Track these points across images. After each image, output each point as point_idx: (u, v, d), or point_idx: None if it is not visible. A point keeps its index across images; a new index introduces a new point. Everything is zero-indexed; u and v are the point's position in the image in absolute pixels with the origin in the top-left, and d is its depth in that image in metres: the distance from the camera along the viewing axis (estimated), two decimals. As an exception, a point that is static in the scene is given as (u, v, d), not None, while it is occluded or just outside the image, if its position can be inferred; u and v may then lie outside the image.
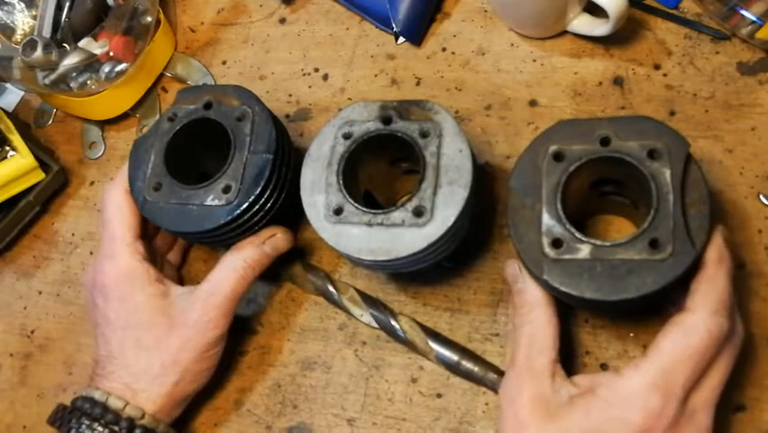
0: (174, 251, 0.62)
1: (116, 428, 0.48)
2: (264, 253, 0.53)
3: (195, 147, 0.56)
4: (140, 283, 0.52)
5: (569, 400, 0.42)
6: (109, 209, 0.54)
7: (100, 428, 0.48)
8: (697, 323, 0.39)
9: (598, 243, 0.41)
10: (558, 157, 0.44)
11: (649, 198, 0.42)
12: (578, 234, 0.42)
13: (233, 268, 0.52)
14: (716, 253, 0.41)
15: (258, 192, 0.50)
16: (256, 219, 0.52)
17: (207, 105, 0.54)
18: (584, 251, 0.41)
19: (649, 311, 0.49)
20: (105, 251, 0.54)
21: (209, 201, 0.51)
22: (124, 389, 0.50)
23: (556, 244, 0.42)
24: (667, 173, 0.42)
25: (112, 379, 0.51)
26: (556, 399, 0.42)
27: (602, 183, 0.48)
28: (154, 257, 0.56)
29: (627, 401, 0.39)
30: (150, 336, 0.51)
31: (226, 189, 0.51)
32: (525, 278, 0.45)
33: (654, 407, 0.39)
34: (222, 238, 0.53)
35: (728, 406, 0.45)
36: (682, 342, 0.39)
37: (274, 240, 0.54)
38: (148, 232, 0.56)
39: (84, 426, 0.48)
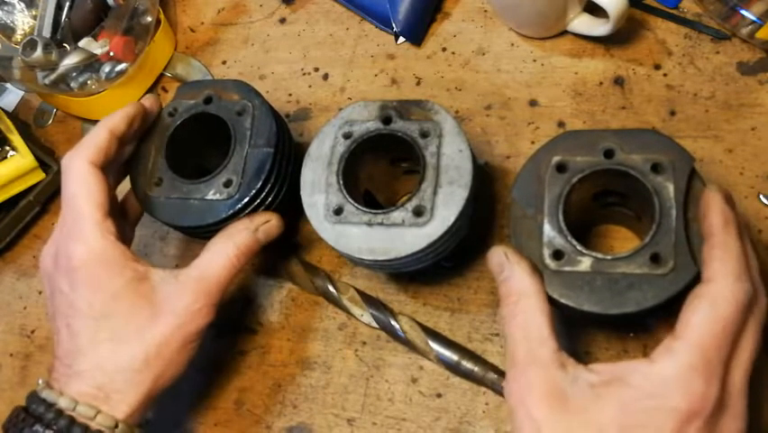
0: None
1: None
2: (256, 239, 0.50)
3: (195, 142, 0.56)
4: (116, 267, 0.46)
5: (591, 390, 0.38)
6: (72, 184, 0.47)
7: None
8: (722, 291, 0.36)
9: (599, 255, 0.41)
10: (561, 168, 0.44)
11: (652, 212, 0.41)
12: (579, 247, 0.42)
13: (225, 254, 0.48)
14: (719, 216, 0.38)
15: (259, 186, 0.50)
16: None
17: (207, 100, 0.54)
18: (585, 263, 0.41)
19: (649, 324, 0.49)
20: (69, 232, 0.47)
21: (210, 195, 0.51)
22: (96, 392, 0.44)
23: (557, 255, 0.42)
24: (670, 188, 0.41)
25: (81, 380, 0.44)
26: (575, 389, 0.38)
27: (605, 195, 0.48)
28: (126, 235, 0.50)
29: (667, 388, 0.36)
30: (130, 325, 0.45)
31: (227, 183, 0.51)
32: (513, 265, 0.42)
33: (698, 389, 0.35)
34: (223, 233, 0.52)
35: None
36: (711, 314, 0.36)
37: (268, 226, 0.51)
38: (116, 206, 0.50)
39: None
